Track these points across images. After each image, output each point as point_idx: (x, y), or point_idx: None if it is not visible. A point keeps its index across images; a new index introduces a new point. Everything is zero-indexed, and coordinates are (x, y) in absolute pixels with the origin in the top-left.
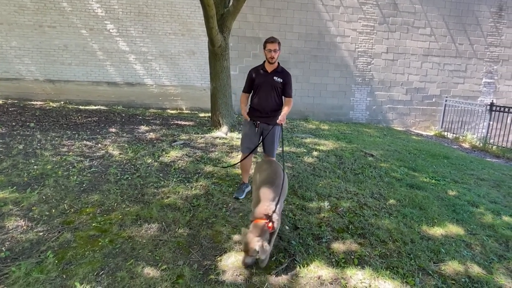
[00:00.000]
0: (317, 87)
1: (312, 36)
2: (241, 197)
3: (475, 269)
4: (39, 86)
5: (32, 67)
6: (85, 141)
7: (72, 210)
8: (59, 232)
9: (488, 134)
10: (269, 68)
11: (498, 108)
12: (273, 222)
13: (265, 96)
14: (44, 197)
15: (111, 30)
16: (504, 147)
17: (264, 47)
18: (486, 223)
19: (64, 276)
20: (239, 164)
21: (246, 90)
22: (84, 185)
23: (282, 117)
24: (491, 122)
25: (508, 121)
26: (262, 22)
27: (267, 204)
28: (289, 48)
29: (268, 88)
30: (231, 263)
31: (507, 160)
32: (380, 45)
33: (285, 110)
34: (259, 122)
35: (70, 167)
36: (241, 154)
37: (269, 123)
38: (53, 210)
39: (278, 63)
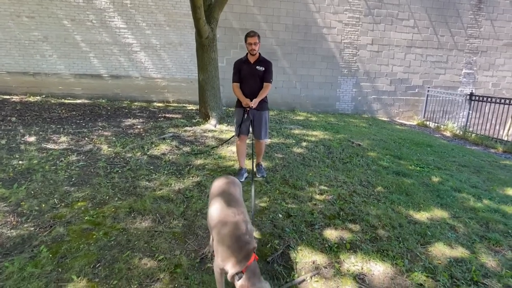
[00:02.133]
0: (304, 79)
1: (299, 28)
2: (241, 180)
3: (459, 250)
4: (17, 79)
5: (9, 60)
6: (71, 135)
7: (62, 204)
8: (51, 226)
9: (468, 123)
10: (252, 59)
11: (477, 98)
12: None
13: (252, 85)
14: (32, 192)
15: (94, 21)
16: (482, 135)
17: (245, 41)
18: (468, 206)
19: (60, 270)
20: (232, 155)
21: (237, 80)
22: (73, 179)
23: (254, 101)
24: (470, 111)
25: (486, 110)
26: (249, 13)
27: (243, 234)
28: (276, 40)
29: (254, 77)
30: None
31: (485, 148)
32: (366, 37)
33: (260, 95)
34: (248, 108)
35: (57, 162)
36: (234, 146)
37: (258, 109)
38: (43, 205)
39: (259, 53)
